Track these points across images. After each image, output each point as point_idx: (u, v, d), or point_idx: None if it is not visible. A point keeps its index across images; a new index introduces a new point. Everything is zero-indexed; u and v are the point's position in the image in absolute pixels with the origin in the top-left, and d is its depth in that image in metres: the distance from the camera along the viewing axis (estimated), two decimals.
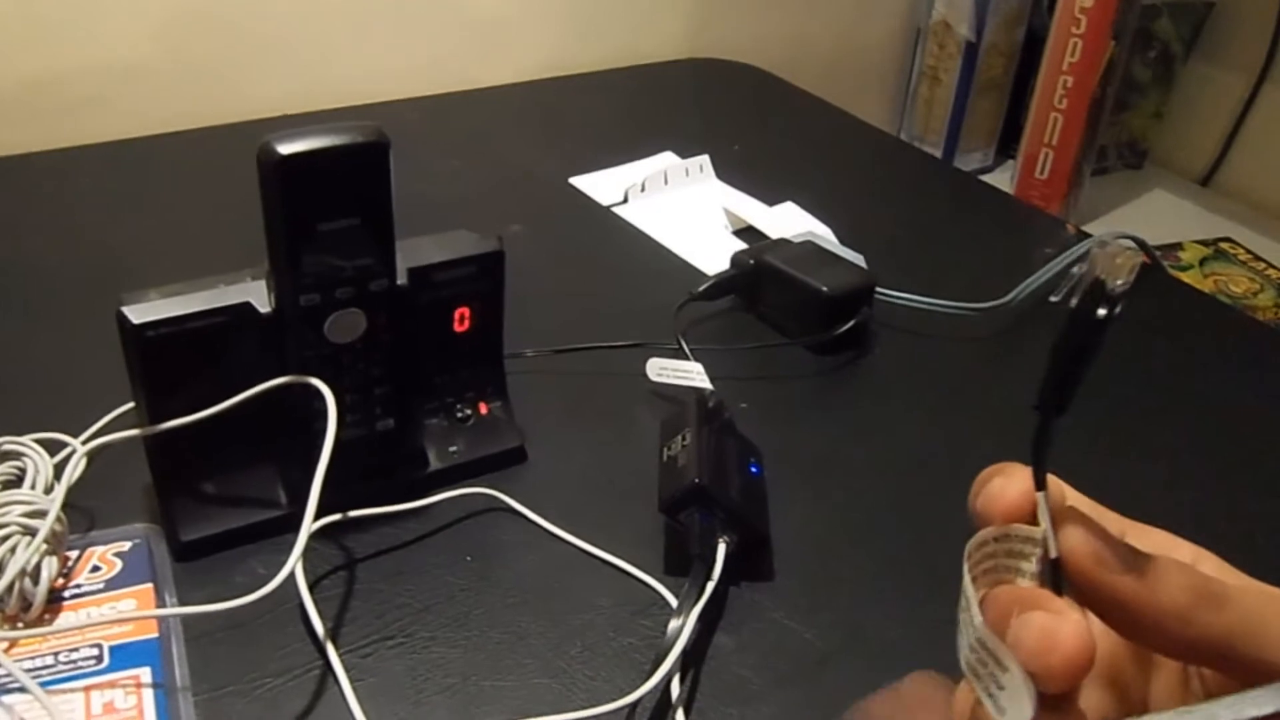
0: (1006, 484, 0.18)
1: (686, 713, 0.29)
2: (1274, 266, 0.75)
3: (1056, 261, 0.50)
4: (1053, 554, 0.17)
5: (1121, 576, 0.17)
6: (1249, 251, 0.77)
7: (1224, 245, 0.78)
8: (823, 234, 0.53)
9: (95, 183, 0.55)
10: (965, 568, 0.18)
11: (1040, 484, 0.18)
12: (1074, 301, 0.17)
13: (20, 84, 0.58)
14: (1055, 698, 0.16)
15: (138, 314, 0.30)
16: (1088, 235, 0.55)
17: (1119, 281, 0.17)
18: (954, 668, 0.31)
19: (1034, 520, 0.18)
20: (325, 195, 0.29)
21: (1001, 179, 0.84)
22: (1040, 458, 0.18)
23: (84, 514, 0.33)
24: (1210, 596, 0.16)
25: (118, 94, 0.61)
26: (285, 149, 0.28)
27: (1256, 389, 0.46)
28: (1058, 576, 0.17)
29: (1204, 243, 0.78)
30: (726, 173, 0.60)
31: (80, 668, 0.28)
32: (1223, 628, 0.16)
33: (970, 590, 0.18)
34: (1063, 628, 0.16)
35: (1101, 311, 0.16)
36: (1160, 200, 0.85)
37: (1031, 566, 0.18)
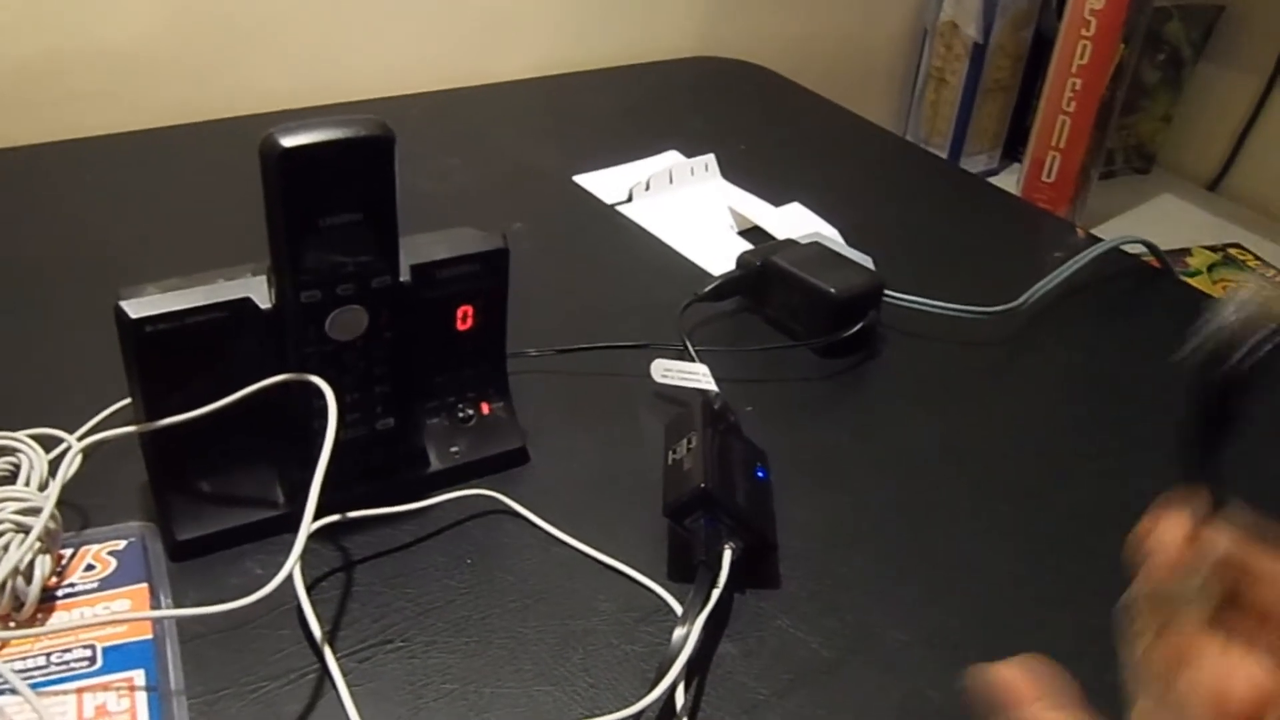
0: (1168, 526, 0.18)
1: None
2: None
3: (1067, 265, 0.49)
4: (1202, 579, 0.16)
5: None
6: (1258, 258, 0.76)
7: (1233, 251, 0.77)
8: (830, 235, 0.52)
9: (94, 176, 0.54)
10: (1129, 628, 0.18)
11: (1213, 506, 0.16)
12: (1201, 360, 0.15)
13: (19, 75, 0.57)
14: None
15: (136, 309, 0.29)
16: (1098, 239, 0.54)
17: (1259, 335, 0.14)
18: (955, 673, 0.30)
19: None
20: (328, 189, 0.29)
21: (1007, 182, 0.84)
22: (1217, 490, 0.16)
23: (78, 512, 0.33)
24: None
25: (117, 87, 0.60)
26: (288, 142, 0.27)
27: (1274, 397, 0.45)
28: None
29: (1212, 248, 0.77)
30: (732, 172, 0.60)
31: (73, 669, 0.28)
32: None
33: (1131, 647, 0.17)
34: (1233, 675, 0.16)
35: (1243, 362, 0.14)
36: (1167, 204, 0.84)
37: (1195, 609, 0.17)
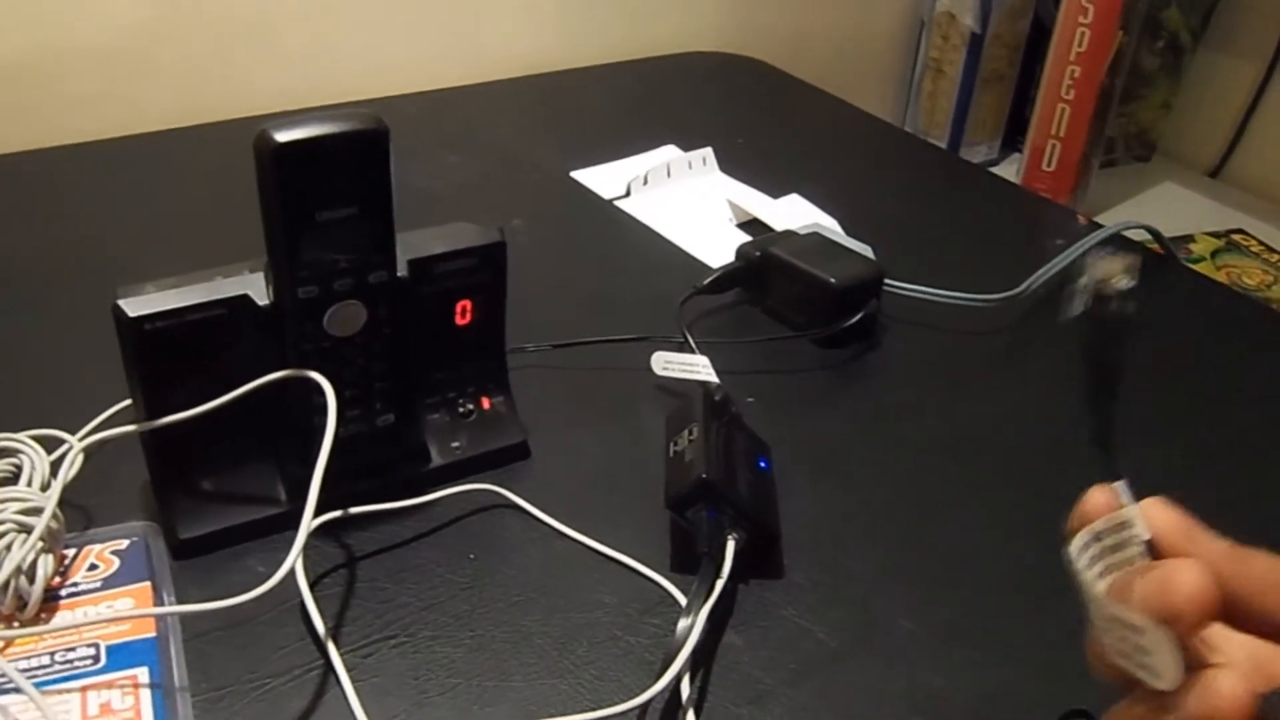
0: (1091, 492, 0.20)
1: (697, 713, 0.28)
2: None
3: (1069, 252, 0.49)
4: (1144, 535, 0.18)
5: (1212, 545, 0.18)
6: (1262, 243, 0.76)
7: (1236, 237, 0.77)
8: (829, 226, 0.52)
9: (92, 180, 0.55)
10: (1077, 569, 0.20)
11: (1115, 475, 0.19)
12: (1080, 310, 0.19)
13: (8, 77, 0.57)
14: (1200, 653, 0.17)
15: (134, 307, 0.29)
16: (1099, 226, 0.54)
17: (1119, 283, 0.18)
18: (960, 663, 0.31)
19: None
20: (323, 184, 0.29)
21: (1007, 172, 0.83)
22: (1107, 447, 0.19)
23: (81, 512, 0.33)
24: None
25: (109, 89, 0.60)
26: (282, 136, 0.27)
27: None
28: (1157, 556, 0.19)
29: (1215, 235, 0.77)
30: (730, 166, 0.60)
31: (77, 668, 0.28)
32: None
33: (1087, 583, 0.20)
34: (1179, 571, 0.17)
35: (1111, 310, 0.19)
36: (1170, 193, 0.84)
37: (1138, 549, 0.19)
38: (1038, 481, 0.38)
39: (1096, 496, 0.20)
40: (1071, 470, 0.42)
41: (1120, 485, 0.19)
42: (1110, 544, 0.19)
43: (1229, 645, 0.19)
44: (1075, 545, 0.20)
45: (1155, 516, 0.19)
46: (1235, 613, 0.18)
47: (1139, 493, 0.20)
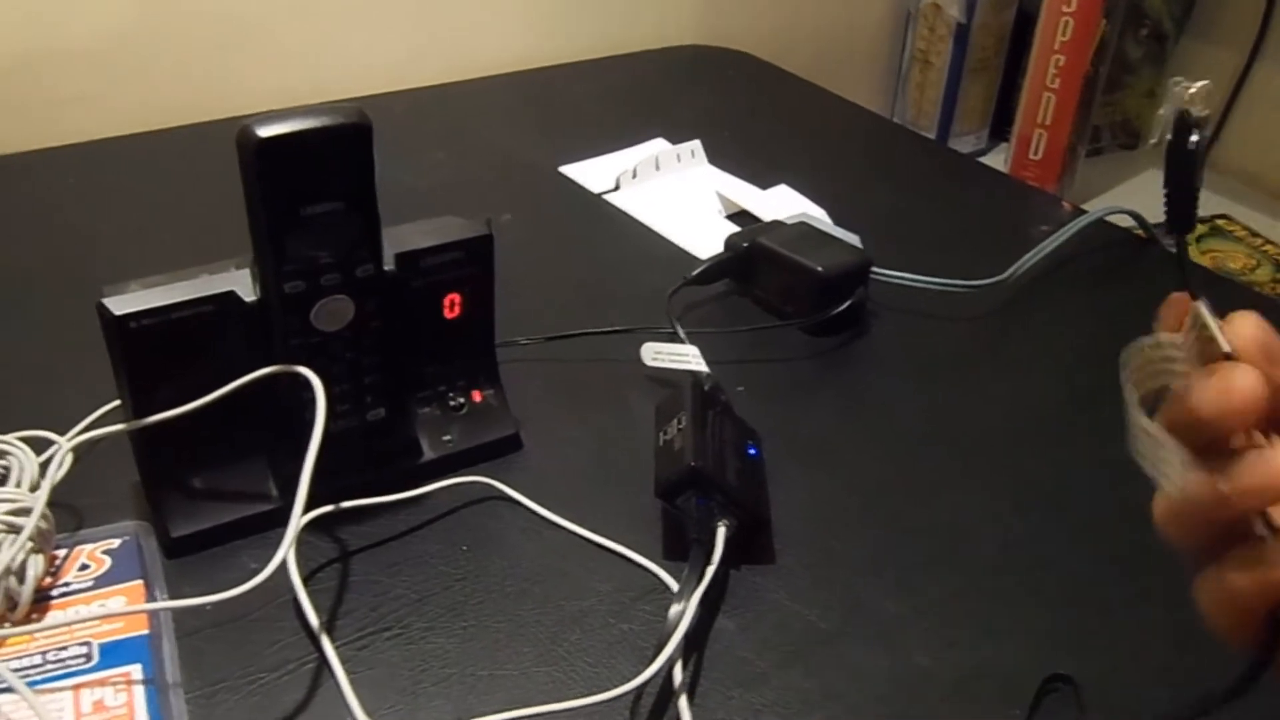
0: (1172, 299, 0.20)
1: (690, 697, 0.29)
2: (1271, 242, 0.75)
3: (1053, 238, 0.49)
4: (1225, 348, 0.19)
5: None
6: (1245, 228, 0.77)
7: (1220, 222, 0.77)
8: (817, 216, 0.52)
9: (79, 181, 0.54)
10: (1124, 376, 0.21)
11: (1193, 294, 0.20)
12: (1168, 137, 0.21)
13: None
14: (1207, 451, 0.18)
15: (119, 305, 0.29)
16: (1084, 212, 0.55)
17: (1199, 110, 0.21)
18: (947, 642, 0.31)
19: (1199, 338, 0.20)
20: (307, 179, 0.29)
21: (995, 161, 0.84)
22: (1184, 270, 0.21)
23: (72, 512, 0.33)
24: None
25: (95, 90, 0.60)
26: (264, 131, 0.27)
27: None
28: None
29: (1200, 220, 0.77)
30: (719, 158, 0.60)
31: (69, 666, 0.28)
32: None
33: (1130, 394, 0.20)
34: (1235, 378, 0.18)
35: (1193, 139, 0.20)
36: (1155, 180, 0.84)
37: (1180, 369, 0.20)
38: (1024, 463, 0.39)
39: (1176, 305, 0.20)
40: (1058, 454, 0.42)
41: (1200, 304, 0.19)
42: (1164, 355, 0.20)
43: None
44: (1131, 349, 0.20)
45: (1243, 334, 0.19)
46: None
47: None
